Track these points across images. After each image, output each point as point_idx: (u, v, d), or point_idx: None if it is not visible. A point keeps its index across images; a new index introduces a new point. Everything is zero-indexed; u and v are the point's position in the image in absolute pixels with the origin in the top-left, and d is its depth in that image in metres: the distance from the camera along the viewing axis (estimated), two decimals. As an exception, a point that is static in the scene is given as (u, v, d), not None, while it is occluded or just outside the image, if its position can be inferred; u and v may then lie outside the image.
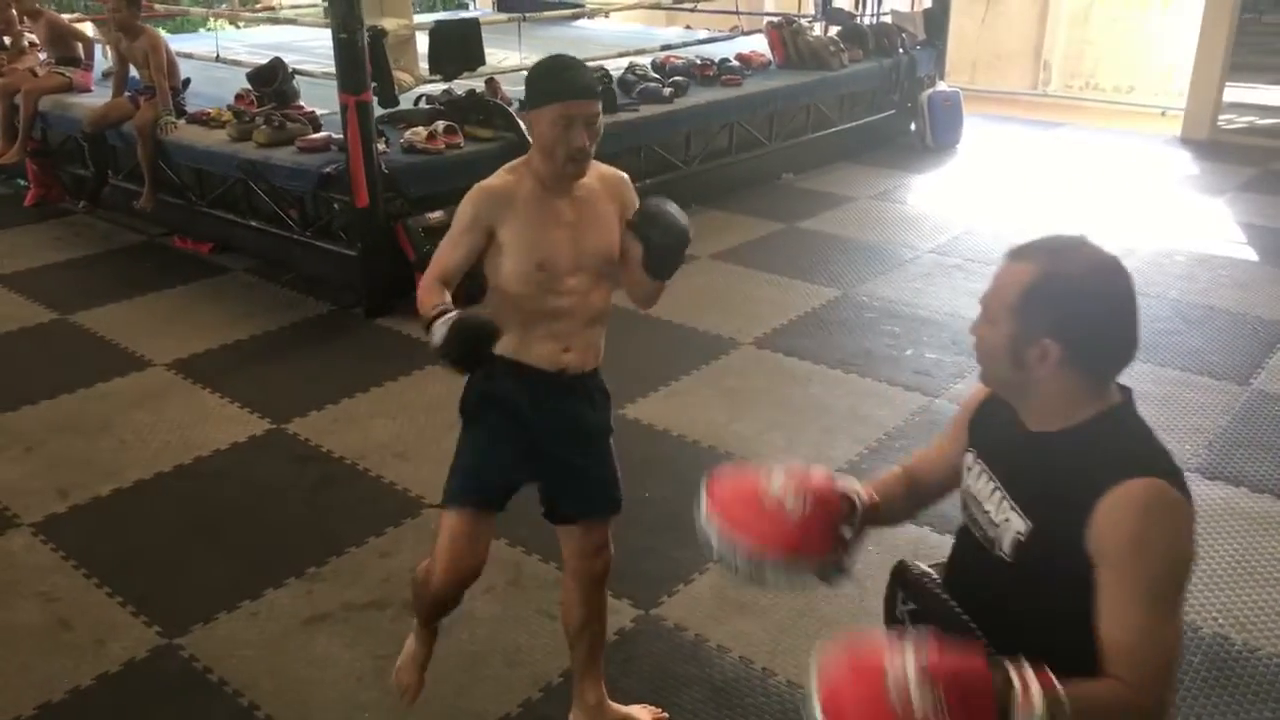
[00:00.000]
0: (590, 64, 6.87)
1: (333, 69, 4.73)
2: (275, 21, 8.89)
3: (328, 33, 4.77)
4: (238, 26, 10.43)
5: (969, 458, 1.51)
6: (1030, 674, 1.17)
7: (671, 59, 7.10)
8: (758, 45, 7.78)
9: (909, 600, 1.55)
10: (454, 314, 2.01)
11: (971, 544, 1.49)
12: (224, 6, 10.20)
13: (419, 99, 5.81)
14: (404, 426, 3.97)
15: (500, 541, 3.23)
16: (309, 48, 7.53)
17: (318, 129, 5.35)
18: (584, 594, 2.39)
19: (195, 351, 4.61)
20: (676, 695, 2.62)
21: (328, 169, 4.84)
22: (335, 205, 4.98)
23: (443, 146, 5.06)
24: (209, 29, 11.34)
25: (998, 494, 1.42)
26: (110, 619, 2.92)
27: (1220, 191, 7.05)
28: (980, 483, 1.46)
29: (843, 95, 7.55)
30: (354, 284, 5.07)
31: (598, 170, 2.17)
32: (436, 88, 5.88)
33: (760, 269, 5.55)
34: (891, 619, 1.61)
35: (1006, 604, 1.41)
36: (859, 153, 7.81)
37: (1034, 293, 1.32)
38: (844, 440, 3.83)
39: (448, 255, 2.16)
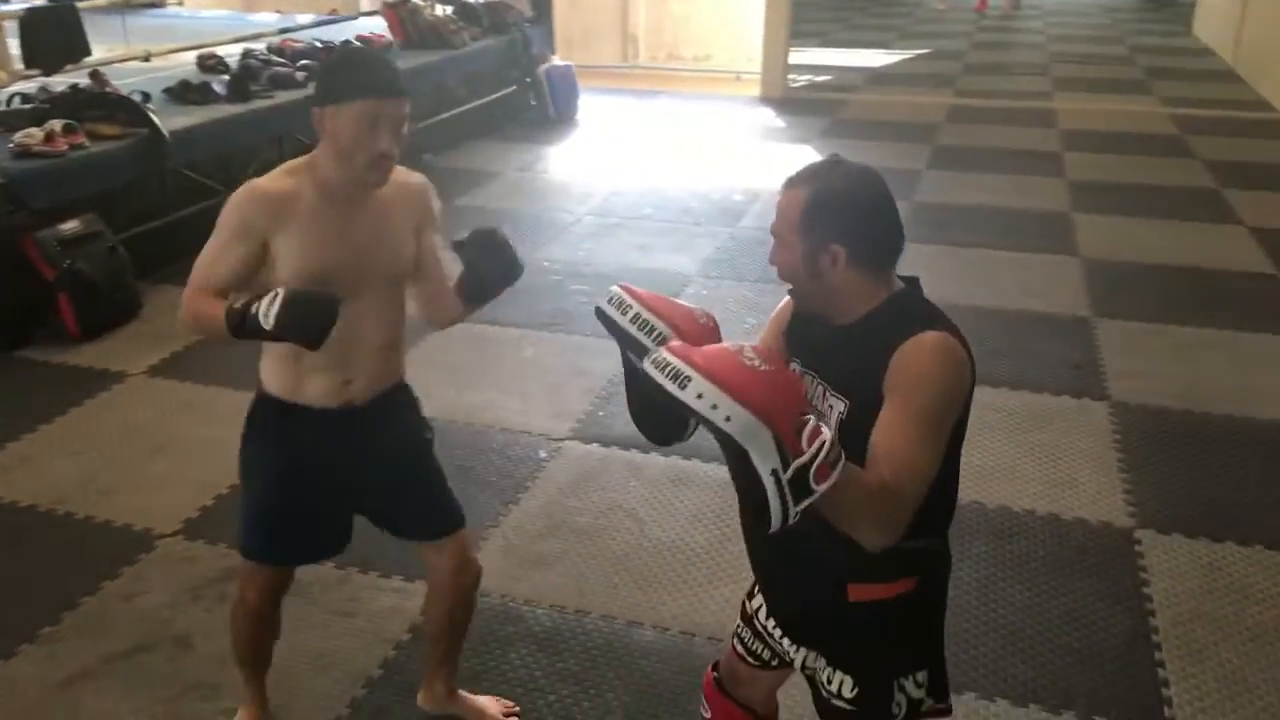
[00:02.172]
0: (202, 51, 6.39)
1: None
2: None
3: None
4: None
5: (794, 368, 1.63)
6: (829, 431, 1.29)
7: (290, 43, 6.76)
8: (375, 27, 7.62)
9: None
10: (277, 293, 1.73)
11: None
12: None
13: (11, 98, 5.06)
14: (96, 460, 3.52)
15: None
16: None
17: (-114, 140, 4.49)
18: (446, 607, 2.27)
19: None
20: (504, 656, 2.64)
21: (-77, 184, 4.10)
22: (-63, 226, 4.23)
23: (66, 147, 4.47)
24: None
25: (820, 387, 1.57)
26: None
27: (806, 140, 8.07)
28: (806, 383, 1.59)
29: (468, 73, 7.63)
30: (-28, 315, 4.34)
31: (393, 178, 1.93)
32: (32, 84, 5.15)
33: (433, 248, 5.50)
34: (746, 518, 1.63)
35: None
36: (490, 129, 7.95)
37: (812, 209, 1.50)
38: (574, 394, 3.99)
39: (212, 268, 1.85)
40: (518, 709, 2.46)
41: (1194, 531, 3.16)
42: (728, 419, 1.21)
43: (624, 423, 3.79)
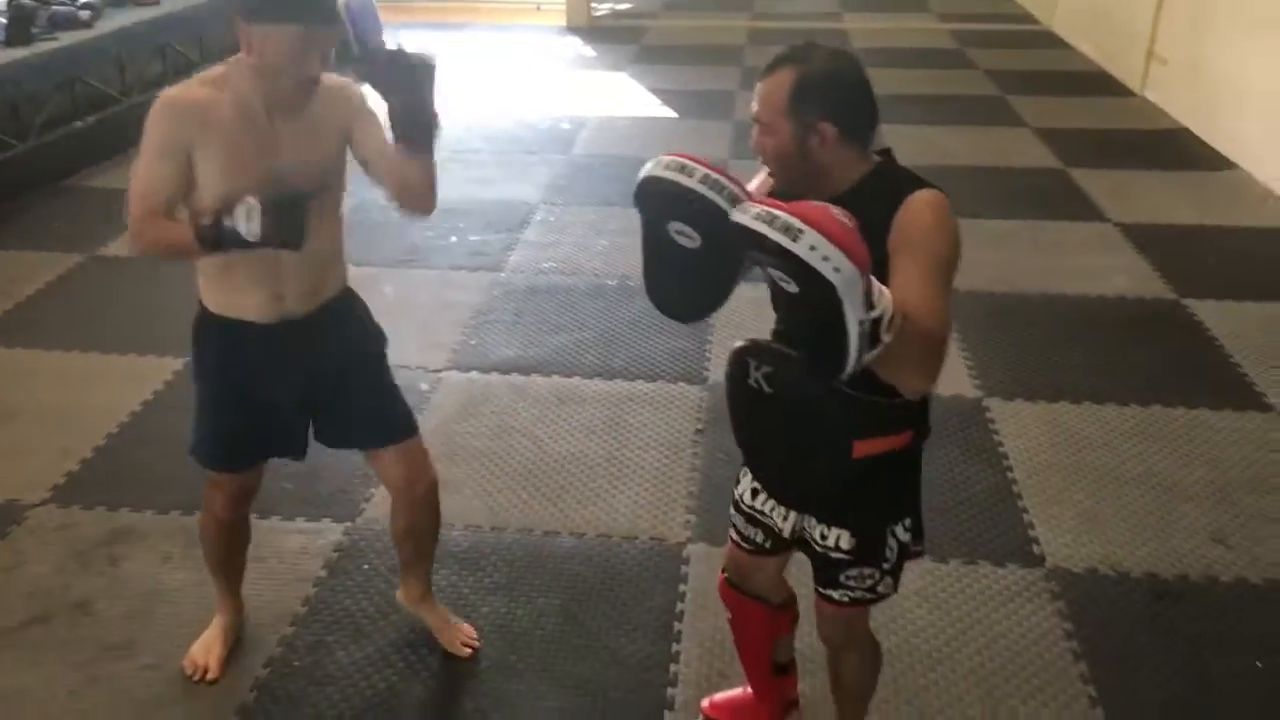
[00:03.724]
0: (-39, -7, 5.74)
1: None
2: None
3: None
4: None
5: None
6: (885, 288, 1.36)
7: (63, -19, 6.17)
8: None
9: (761, 365, 1.63)
10: (251, 203, 1.70)
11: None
12: None
13: None
14: (-68, 438, 3.24)
15: (148, 511, 2.89)
16: None
17: None
18: (407, 519, 2.28)
19: None
20: (430, 577, 2.65)
21: None
22: None
23: None
24: None
25: None
26: None
27: (619, 67, 8.13)
28: None
29: (264, 9, 7.22)
30: None
31: None
32: None
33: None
34: (742, 392, 1.66)
35: None
36: (292, 68, 7.56)
37: (799, 91, 1.53)
38: (443, 326, 3.96)
39: (152, 189, 1.80)
40: (478, 643, 2.43)
41: (1032, 396, 3.52)
42: (837, 270, 1.23)
43: (500, 349, 3.82)
